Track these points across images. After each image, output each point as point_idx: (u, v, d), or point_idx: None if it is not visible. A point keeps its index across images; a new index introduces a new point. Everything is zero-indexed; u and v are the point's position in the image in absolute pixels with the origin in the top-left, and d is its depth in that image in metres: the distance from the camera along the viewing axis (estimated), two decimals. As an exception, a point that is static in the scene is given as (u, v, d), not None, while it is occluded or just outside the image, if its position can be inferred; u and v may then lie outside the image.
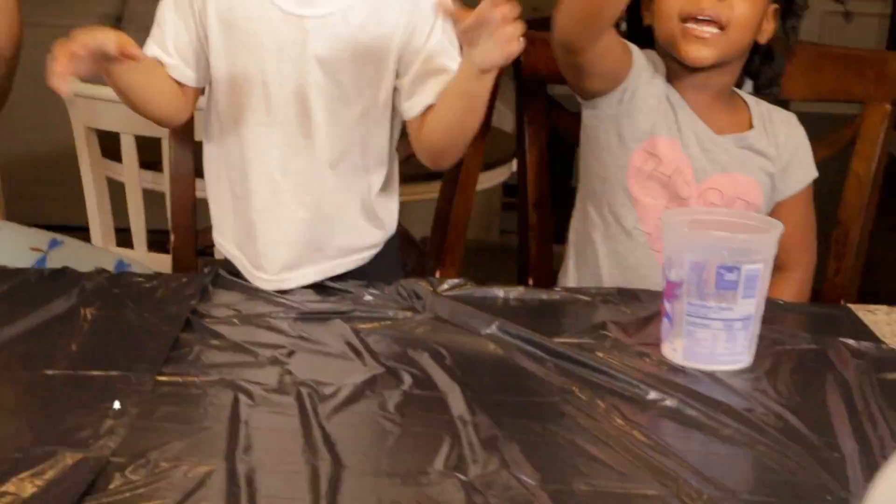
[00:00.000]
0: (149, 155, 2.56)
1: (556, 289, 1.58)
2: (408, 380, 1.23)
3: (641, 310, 1.45)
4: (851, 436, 1.14)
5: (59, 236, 1.89)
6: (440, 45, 1.48)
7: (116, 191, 2.66)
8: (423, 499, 0.98)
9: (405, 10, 1.47)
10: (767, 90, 1.76)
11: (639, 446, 1.10)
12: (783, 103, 1.80)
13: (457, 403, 1.17)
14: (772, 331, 1.38)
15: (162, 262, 2.29)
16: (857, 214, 1.73)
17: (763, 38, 1.68)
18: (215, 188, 1.57)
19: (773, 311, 1.41)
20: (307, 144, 1.48)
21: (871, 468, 1.06)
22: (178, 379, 1.20)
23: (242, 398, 1.15)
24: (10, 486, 0.95)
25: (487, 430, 1.11)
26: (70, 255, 1.86)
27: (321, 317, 1.39)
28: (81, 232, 2.39)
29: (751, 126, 1.71)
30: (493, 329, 1.35)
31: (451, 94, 1.45)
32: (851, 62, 1.80)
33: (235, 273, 1.52)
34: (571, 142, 1.72)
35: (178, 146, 1.75)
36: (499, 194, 4.16)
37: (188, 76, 1.52)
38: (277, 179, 1.49)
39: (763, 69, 1.74)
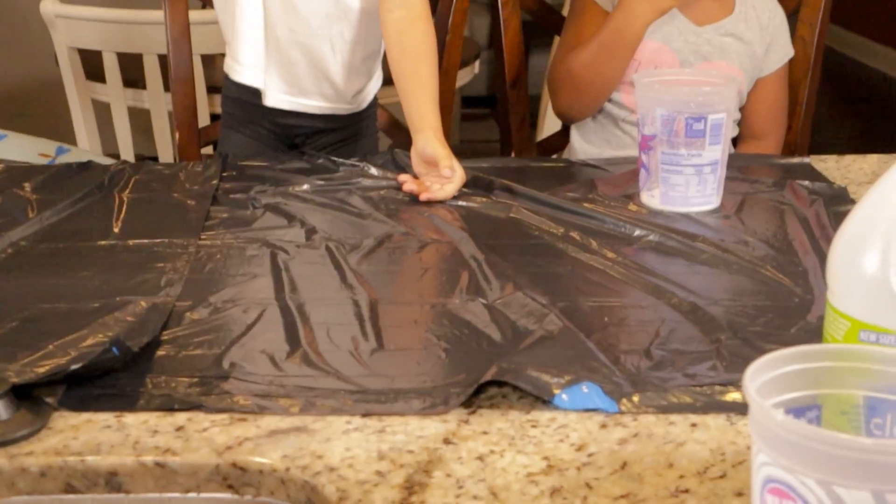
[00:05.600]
0: (130, 74, 2.67)
1: (539, 157, 1.74)
2: (420, 232, 1.38)
3: (622, 169, 1.61)
4: (812, 253, 1.31)
5: (66, 145, 2.01)
6: None
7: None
8: (451, 318, 1.14)
9: None
10: None
11: (630, 271, 1.26)
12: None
13: (467, 247, 1.32)
14: (736, 178, 1.55)
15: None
16: (804, 76, 1.88)
17: None
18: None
19: (736, 162, 1.58)
20: None
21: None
22: (218, 242, 1.35)
23: (279, 253, 1.30)
24: (98, 326, 1.10)
25: (498, 265, 1.26)
26: (13, 146, 1.98)
27: (334, 185, 1.54)
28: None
29: (732, 11, 1.81)
30: (492, 188, 1.51)
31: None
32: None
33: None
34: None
35: (177, 50, 1.87)
36: (458, 105, 4.30)
37: None
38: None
39: None
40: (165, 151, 2.71)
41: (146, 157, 2.90)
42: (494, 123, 5.26)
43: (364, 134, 1.79)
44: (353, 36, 1.68)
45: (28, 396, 0.96)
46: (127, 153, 2.73)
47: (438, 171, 1.48)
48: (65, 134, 2.84)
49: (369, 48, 1.71)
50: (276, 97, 1.72)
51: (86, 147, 2.74)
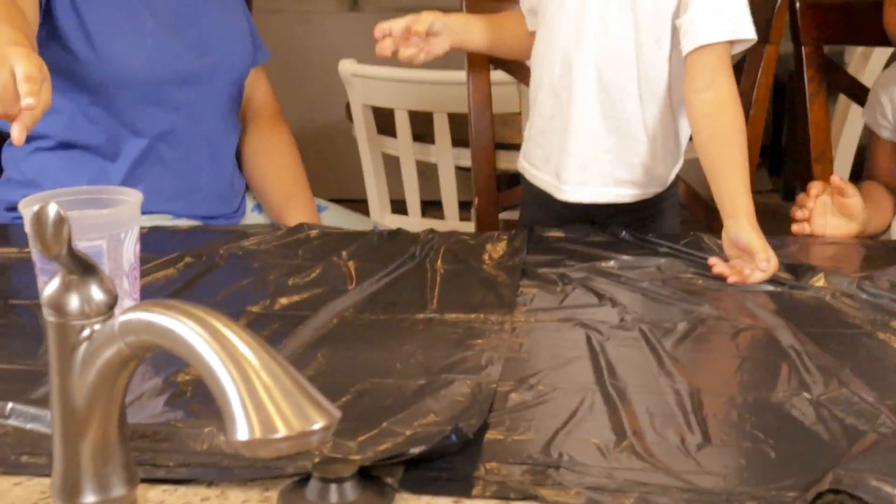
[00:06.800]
0: (418, 128, 2.75)
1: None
2: (733, 316, 1.37)
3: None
4: None
5: (323, 202, 2.08)
6: None
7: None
8: (776, 413, 1.12)
9: None
10: None
11: (960, 369, 1.22)
12: None
13: (784, 335, 1.31)
14: None
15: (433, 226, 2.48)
16: None
17: None
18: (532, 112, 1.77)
19: None
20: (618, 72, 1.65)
21: None
22: (531, 319, 1.37)
23: (593, 334, 1.32)
24: (426, 404, 1.13)
25: (818, 356, 1.24)
26: (335, 218, 2.05)
27: (640, 263, 1.54)
28: (359, 203, 2.60)
29: None
30: (802, 271, 1.48)
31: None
32: None
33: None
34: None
35: (479, 118, 1.93)
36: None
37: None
38: (592, 105, 1.67)
39: None
40: (450, 202, 2.78)
41: (427, 202, 3.00)
42: (765, 173, 5.19)
43: (667, 212, 1.78)
44: (661, 113, 1.68)
45: (368, 476, 1.00)
46: (413, 201, 2.81)
47: (751, 258, 1.46)
48: (352, 181, 2.95)
49: (676, 127, 1.71)
50: (579, 190, 1.73)
51: (374, 191, 2.85)
